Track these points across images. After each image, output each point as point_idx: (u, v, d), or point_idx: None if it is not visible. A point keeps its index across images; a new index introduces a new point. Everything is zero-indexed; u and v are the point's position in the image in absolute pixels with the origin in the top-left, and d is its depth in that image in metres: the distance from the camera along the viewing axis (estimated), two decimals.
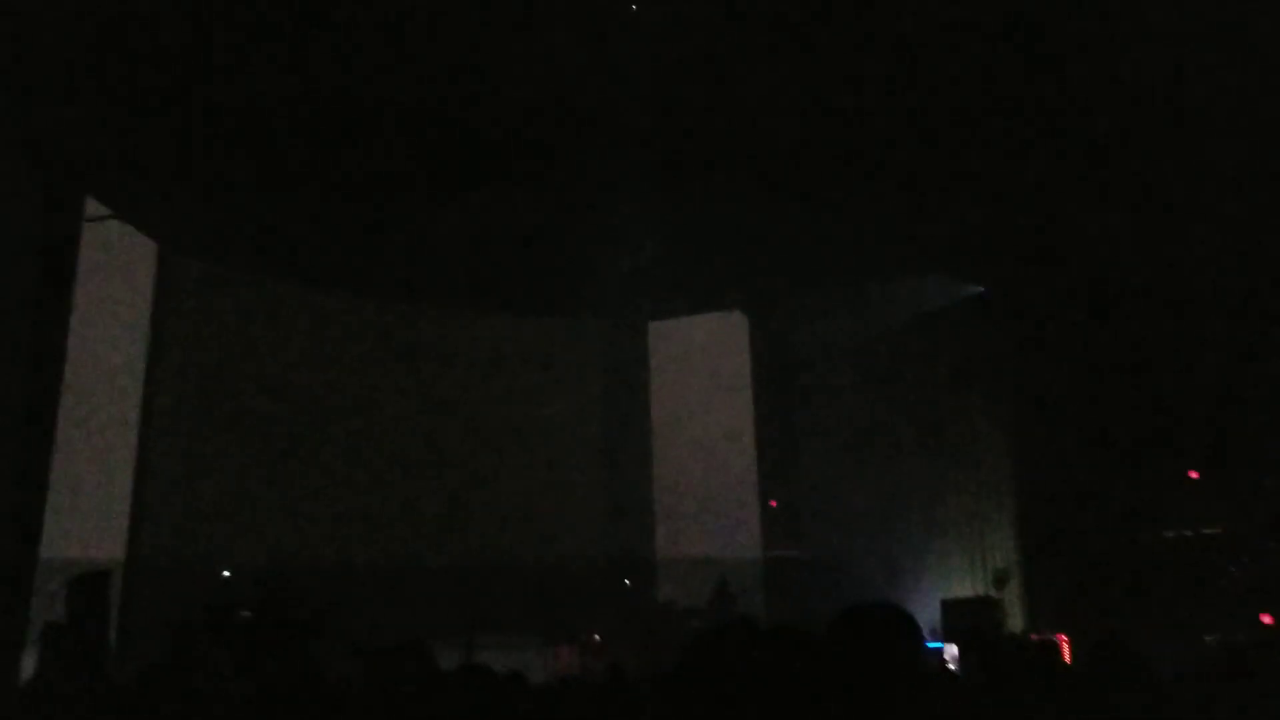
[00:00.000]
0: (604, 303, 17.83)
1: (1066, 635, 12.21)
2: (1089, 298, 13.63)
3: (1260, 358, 11.99)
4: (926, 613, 14.47)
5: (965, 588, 14.72)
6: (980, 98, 11.58)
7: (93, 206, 12.75)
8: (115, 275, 13.75)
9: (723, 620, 10.84)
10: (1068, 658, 11.50)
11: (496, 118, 11.94)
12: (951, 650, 12.23)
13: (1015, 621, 13.73)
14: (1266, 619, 11.35)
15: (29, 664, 9.17)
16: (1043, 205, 13.12)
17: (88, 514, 12.87)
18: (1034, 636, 12.40)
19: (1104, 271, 13.42)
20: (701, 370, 17.85)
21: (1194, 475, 12.67)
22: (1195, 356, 12.54)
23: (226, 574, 13.03)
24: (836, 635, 2.51)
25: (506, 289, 16.82)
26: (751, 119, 12.10)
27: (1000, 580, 14.16)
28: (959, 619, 13.12)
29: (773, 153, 12.63)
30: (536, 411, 17.57)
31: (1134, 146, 11.94)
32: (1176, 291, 12.72)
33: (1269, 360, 11.89)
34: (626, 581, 16.40)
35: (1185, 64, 10.58)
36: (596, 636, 14.38)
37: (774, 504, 17.13)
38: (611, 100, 11.57)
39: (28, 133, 11.19)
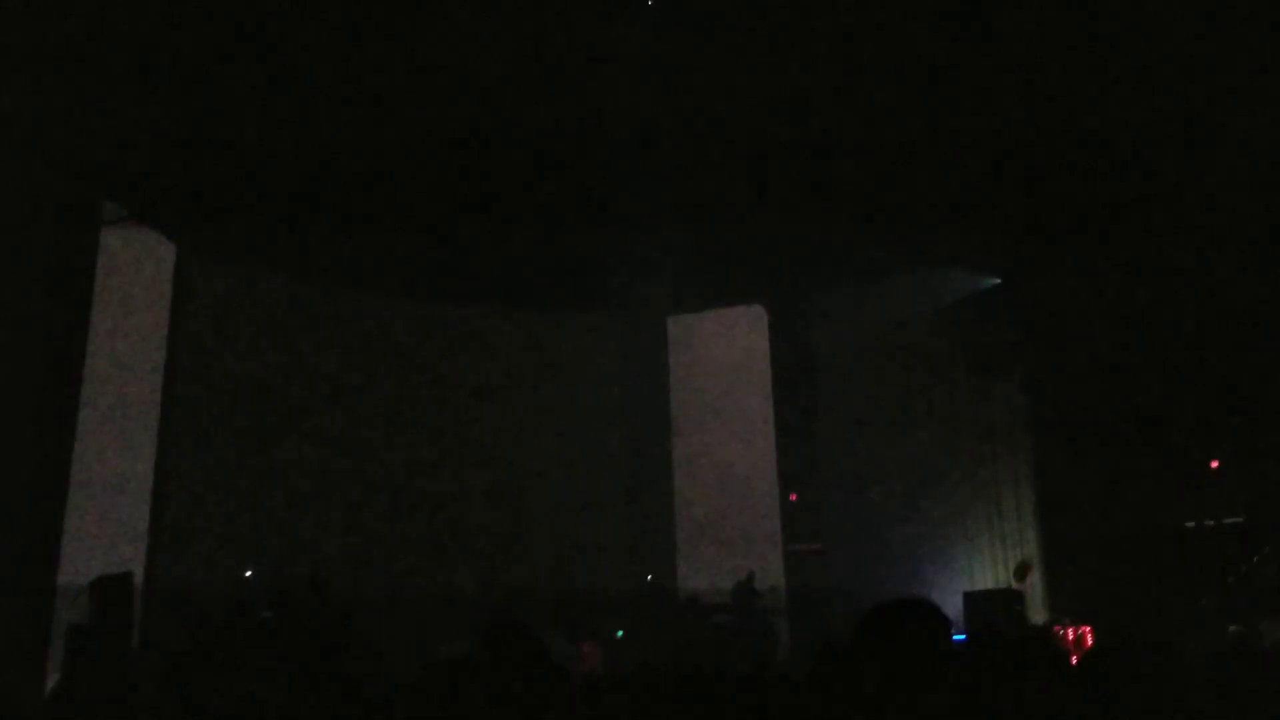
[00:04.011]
0: (623, 297, 17.85)
1: (1090, 626, 12.18)
2: (1108, 288, 13.58)
3: None
4: (949, 605, 14.44)
5: (987, 580, 14.69)
6: (996, 89, 11.54)
7: (111, 209, 12.81)
8: (134, 279, 13.81)
9: (746, 617, 10.76)
10: (1090, 648, 11.46)
11: (513, 114, 11.93)
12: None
13: (1037, 613, 13.70)
14: None
15: (54, 666, 9.25)
16: (1059, 195, 13.08)
17: (108, 516, 12.94)
18: (1057, 628, 12.38)
19: (1123, 260, 13.37)
20: (721, 364, 17.84)
21: (1215, 465, 12.63)
22: (1216, 346, 12.49)
23: (249, 574, 13.08)
24: (869, 630, 2.51)
25: (526, 286, 16.82)
26: (769, 112, 12.08)
27: (1022, 572, 14.14)
28: (981, 611, 13.08)
29: (791, 146, 12.60)
30: (555, 407, 17.57)
31: (1152, 136, 11.89)
32: (1197, 280, 12.67)
33: None
34: (649, 577, 16.40)
35: (1200, 53, 10.52)
36: (620, 633, 14.39)
37: (794, 498, 17.09)
38: (630, 95, 11.56)
39: (45, 136, 11.25)
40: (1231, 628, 10.91)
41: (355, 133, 12.10)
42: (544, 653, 3.67)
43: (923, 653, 2.43)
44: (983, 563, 14.99)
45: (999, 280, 15.39)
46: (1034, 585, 14.12)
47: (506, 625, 3.66)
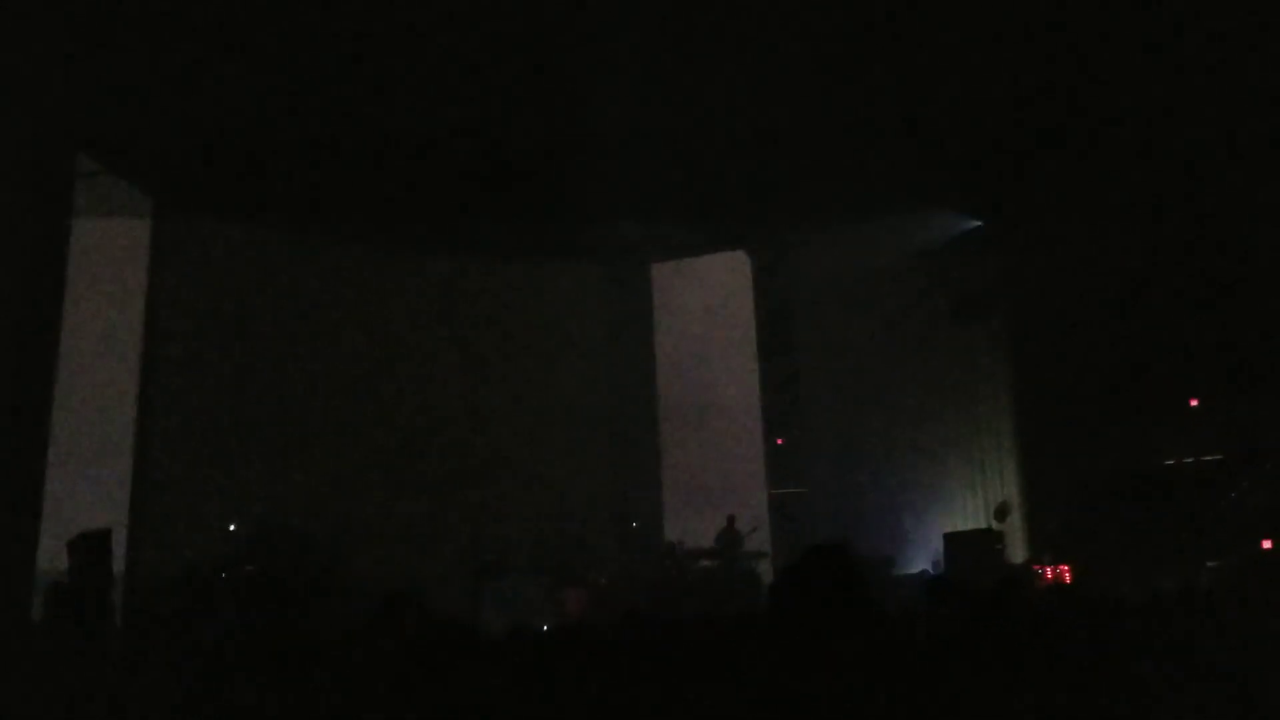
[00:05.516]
0: (606, 245, 17.78)
1: (1069, 565, 12.30)
2: (1089, 227, 13.59)
3: (1258, 285, 11.99)
4: (930, 545, 14.59)
5: (968, 520, 14.80)
6: (978, 31, 11.45)
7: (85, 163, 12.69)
8: (109, 232, 13.71)
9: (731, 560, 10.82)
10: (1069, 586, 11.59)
11: (487, 53, 11.78)
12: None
13: (1017, 552, 13.84)
14: (1267, 544, 11.43)
15: (35, 622, 9.28)
16: (1040, 137, 13.05)
17: (90, 473, 12.93)
18: (1036, 567, 12.50)
19: (1104, 199, 13.38)
20: (705, 310, 17.83)
21: (1194, 403, 12.71)
22: (1194, 285, 12.54)
23: (232, 527, 13.08)
24: (786, 585, 2.55)
25: (507, 234, 16.74)
26: (751, 55, 11.97)
27: (1002, 512, 14.25)
28: (961, 551, 13.19)
29: (772, 90, 12.52)
30: (539, 358, 17.56)
31: (1133, 76, 11.85)
32: (1174, 219, 12.69)
33: (1267, 288, 11.90)
34: (634, 524, 16.46)
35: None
36: (604, 580, 14.47)
37: (780, 441, 17.15)
38: (607, 35, 11.41)
39: (18, 87, 11.11)
40: (1209, 563, 11.04)
41: (333, 81, 11.97)
42: (432, 620, 4.04)
43: (834, 607, 2.47)
44: (964, 503, 15.10)
45: (980, 223, 15.39)
46: (1014, 525, 14.24)
47: (401, 596, 4.07)
